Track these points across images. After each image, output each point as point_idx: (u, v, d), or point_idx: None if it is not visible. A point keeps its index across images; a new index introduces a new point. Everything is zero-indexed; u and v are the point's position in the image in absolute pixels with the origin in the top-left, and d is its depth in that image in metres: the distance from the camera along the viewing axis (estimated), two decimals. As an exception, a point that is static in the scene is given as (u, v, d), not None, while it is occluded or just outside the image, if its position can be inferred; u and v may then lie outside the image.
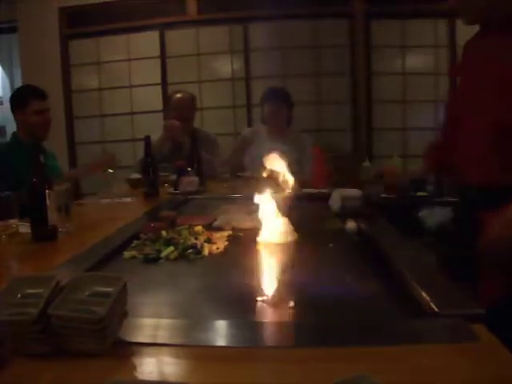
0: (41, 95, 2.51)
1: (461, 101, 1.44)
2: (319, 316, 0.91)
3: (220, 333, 0.80)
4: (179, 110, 3.17)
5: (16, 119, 2.55)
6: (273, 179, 1.53)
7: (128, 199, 2.34)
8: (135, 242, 1.43)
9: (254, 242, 1.43)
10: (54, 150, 2.83)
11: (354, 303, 0.97)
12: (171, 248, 1.33)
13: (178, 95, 3.26)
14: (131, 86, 4.66)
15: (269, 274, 1.21)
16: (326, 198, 1.99)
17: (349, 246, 1.42)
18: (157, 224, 1.57)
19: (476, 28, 1.38)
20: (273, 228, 1.45)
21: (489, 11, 1.29)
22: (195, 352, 0.72)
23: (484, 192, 1.30)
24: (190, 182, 2.43)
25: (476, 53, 1.40)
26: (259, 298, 0.99)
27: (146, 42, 4.61)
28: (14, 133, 2.62)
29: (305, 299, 1.00)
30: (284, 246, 1.42)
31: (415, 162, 1.57)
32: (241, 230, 1.55)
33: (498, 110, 1.25)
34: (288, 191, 1.56)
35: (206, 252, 1.33)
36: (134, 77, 4.66)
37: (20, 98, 2.52)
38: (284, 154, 3.12)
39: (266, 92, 3.27)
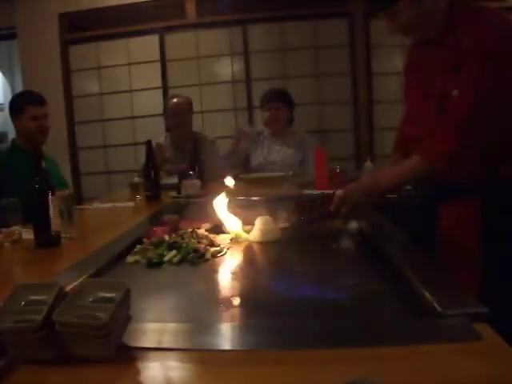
0: (37, 101, 2.50)
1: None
2: (321, 317, 0.91)
3: (225, 336, 0.80)
4: (176, 116, 3.17)
5: (14, 125, 2.56)
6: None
7: (130, 204, 2.34)
8: (138, 247, 1.43)
9: (256, 244, 1.44)
10: (56, 156, 2.82)
11: (357, 304, 0.97)
12: (174, 252, 1.33)
13: (174, 101, 3.25)
14: (132, 91, 4.67)
15: (271, 277, 1.21)
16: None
17: (351, 246, 1.42)
18: (159, 228, 1.57)
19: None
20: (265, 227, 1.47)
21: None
22: (200, 356, 0.72)
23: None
24: (192, 185, 2.43)
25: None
26: (261, 301, 0.99)
27: (146, 46, 4.61)
28: (13, 139, 2.63)
29: (307, 300, 1.00)
30: (286, 247, 1.42)
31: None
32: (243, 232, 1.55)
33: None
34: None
35: (209, 255, 1.33)
36: (134, 81, 4.66)
37: (17, 105, 2.52)
38: (287, 156, 3.14)
39: (265, 95, 3.28)
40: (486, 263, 1.37)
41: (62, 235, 1.51)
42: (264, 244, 1.44)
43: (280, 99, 3.18)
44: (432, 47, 1.51)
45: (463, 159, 1.37)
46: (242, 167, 3.19)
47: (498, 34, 1.33)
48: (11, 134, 4.05)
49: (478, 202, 1.40)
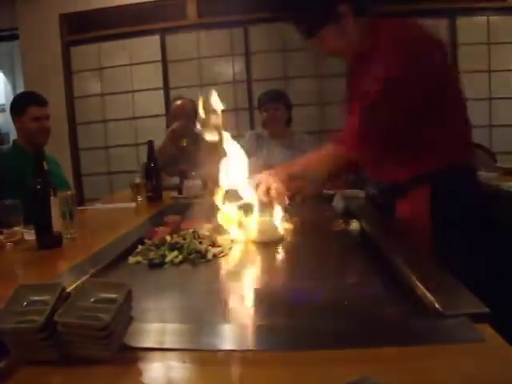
0: (39, 102, 2.50)
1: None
2: (323, 317, 0.91)
3: (226, 337, 0.80)
4: (180, 117, 3.16)
5: (15, 126, 2.56)
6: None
7: (131, 204, 2.35)
8: (140, 247, 1.43)
9: (257, 244, 1.44)
10: (57, 157, 2.83)
11: (358, 304, 0.97)
12: (176, 253, 1.33)
13: (178, 102, 3.25)
14: (133, 91, 4.67)
15: (272, 277, 1.21)
16: (329, 198, 1.99)
17: (352, 246, 1.42)
18: (161, 229, 1.57)
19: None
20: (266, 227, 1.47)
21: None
22: (202, 356, 0.72)
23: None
24: (193, 185, 2.43)
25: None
26: (262, 301, 0.99)
27: (147, 46, 4.61)
28: (14, 140, 2.63)
29: (307, 300, 1.00)
30: (287, 247, 1.42)
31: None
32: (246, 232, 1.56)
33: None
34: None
35: (210, 256, 1.33)
36: (135, 82, 4.67)
37: (18, 105, 2.52)
38: (287, 157, 3.14)
39: (262, 96, 3.28)
40: (438, 251, 1.39)
41: (64, 236, 1.51)
42: (265, 244, 1.44)
43: (278, 100, 3.17)
44: (361, 60, 1.61)
45: (367, 140, 1.47)
46: None
47: (408, 36, 1.48)
48: (13, 134, 4.06)
49: (427, 191, 1.48)
